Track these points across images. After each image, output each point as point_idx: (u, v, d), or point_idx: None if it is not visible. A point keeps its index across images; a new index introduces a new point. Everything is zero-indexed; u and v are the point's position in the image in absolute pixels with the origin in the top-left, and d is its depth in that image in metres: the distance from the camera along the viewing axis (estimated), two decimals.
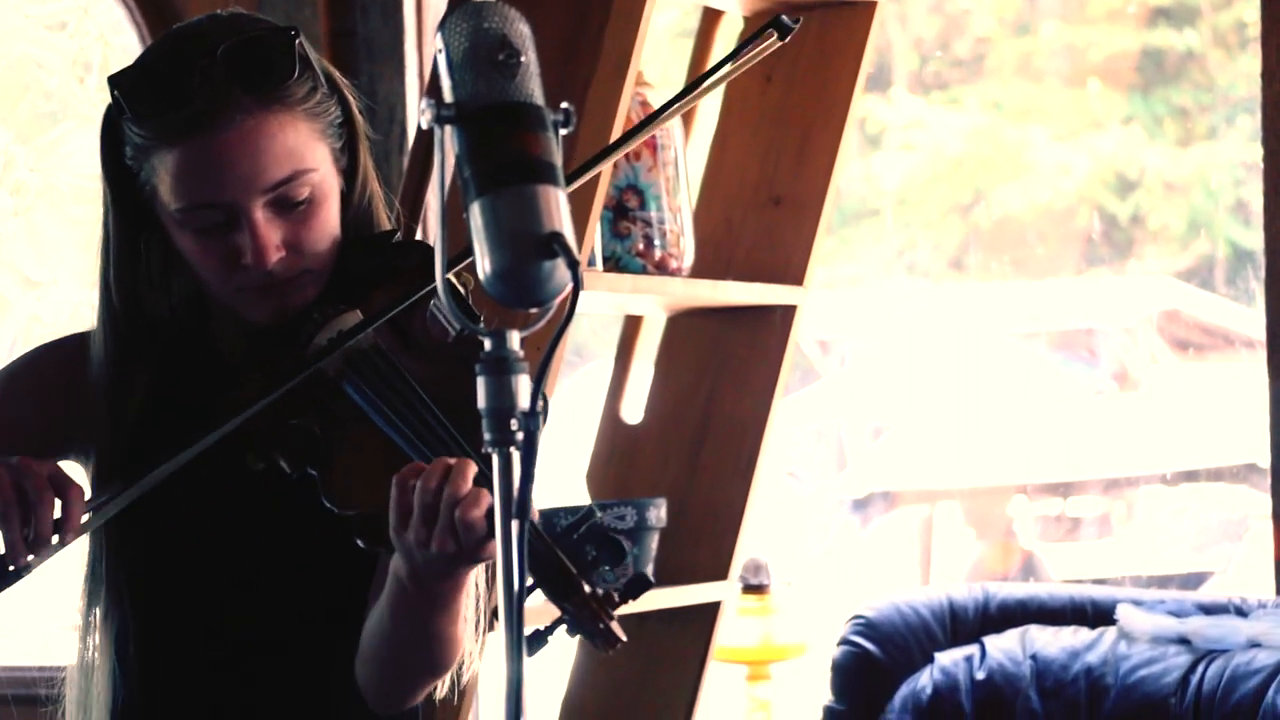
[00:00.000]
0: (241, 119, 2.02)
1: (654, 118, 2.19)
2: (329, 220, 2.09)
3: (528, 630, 1.85)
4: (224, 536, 2.10)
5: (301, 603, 2.14)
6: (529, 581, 1.91)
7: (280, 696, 2.15)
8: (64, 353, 2.19)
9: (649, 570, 3.45)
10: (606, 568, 1.93)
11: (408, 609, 2.00)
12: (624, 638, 1.91)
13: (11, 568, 1.95)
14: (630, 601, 1.92)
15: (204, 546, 2.10)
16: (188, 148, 2.02)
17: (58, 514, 1.97)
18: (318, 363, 2.02)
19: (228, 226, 2.04)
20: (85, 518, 1.98)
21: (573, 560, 1.91)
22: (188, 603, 2.13)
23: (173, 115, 2.02)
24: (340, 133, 2.10)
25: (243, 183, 2.02)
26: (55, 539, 1.96)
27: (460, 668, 2.12)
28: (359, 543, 2.00)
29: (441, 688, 2.15)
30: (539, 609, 1.94)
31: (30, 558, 1.95)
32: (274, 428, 2.01)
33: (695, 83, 2.12)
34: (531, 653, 1.84)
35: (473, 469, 1.91)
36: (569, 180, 1.74)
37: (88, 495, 2.00)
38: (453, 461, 1.92)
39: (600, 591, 1.91)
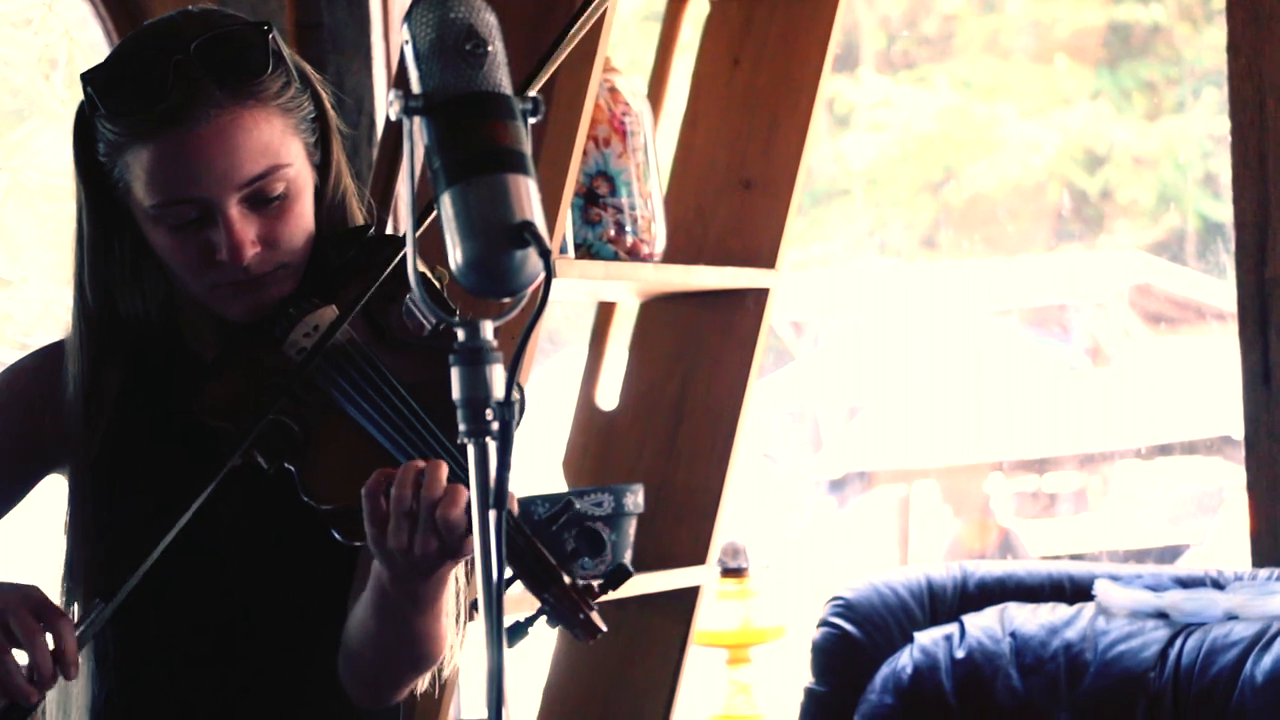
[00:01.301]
0: (216, 114, 2.02)
1: None
2: (304, 215, 2.08)
3: (507, 621, 1.85)
4: (201, 532, 2.10)
5: (280, 597, 2.13)
6: (509, 573, 1.91)
7: (260, 691, 2.15)
8: (45, 364, 2.18)
9: (627, 556, 3.45)
10: (586, 558, 1.93)
11: (391, 610, 1.99)
12: (604, 628, 1.91)
13: (25, 707, 1.96)
14: (610, 592, 1.92)
15: (180, 542, 2.09)
16: (162, 143, 2.02)
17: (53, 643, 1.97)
18: (308, 367, 2.02)
19: (203, 223, 2.04)
20: (81, 630, 1.98)
21: (552, 551, 1.91)
22: (166, 599, 2.13)
23: (147, 111, 2.01)
24: (314, 127, 2.10)
25: (218, 178, 2.02)
26: (57, 671, 1.96)
27: (442, 662, 2.12)
28: (336, 536, 2.00)
29: (422, 682, 2.15)
30: (519, 599, 1.94)
31: (38, 697, 1.96)
32: (250, 424, 2.00)
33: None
34: (512, 644, 1.85)
35: (445, 469, 1.91)
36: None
37: (75, 618, 2.00)
38: (423, 464, 1.92)
39: (580, 582, 1.91)
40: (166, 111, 2.01)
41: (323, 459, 2.01)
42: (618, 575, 1.92)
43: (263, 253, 2.05)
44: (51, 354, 2.18)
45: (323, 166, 2.13)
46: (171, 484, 2.05)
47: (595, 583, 1.92)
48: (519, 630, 1.86)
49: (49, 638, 1.95)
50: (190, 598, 2.13)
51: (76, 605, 2.15)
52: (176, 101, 2.01)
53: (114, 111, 2.04)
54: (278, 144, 2.05)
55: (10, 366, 2.23)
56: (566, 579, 1.91)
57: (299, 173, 2.07)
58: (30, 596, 1.97)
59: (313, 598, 2.13)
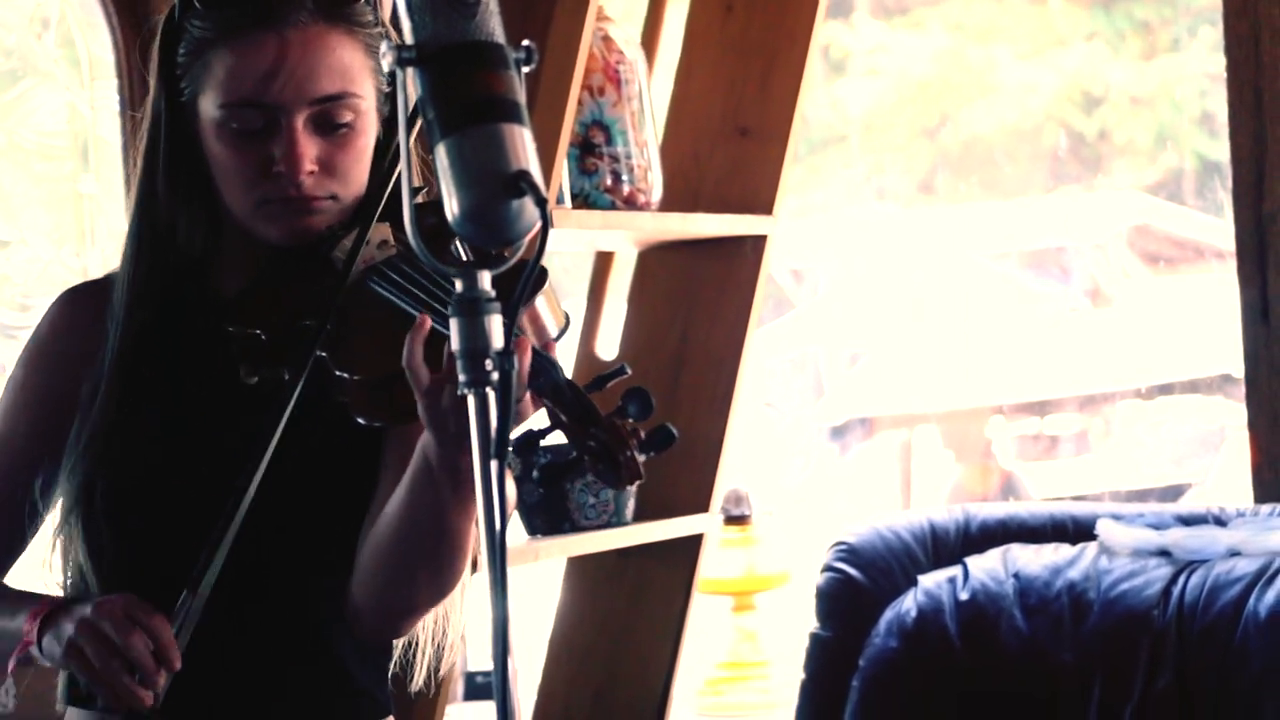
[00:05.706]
0: (305, 24, 2.06)
1: None
2: (364, 152, 2.11)
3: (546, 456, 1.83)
4: (209, 456, 2.09)
5: (291, 524, 2.11)
6: (548, 423, 1.87)
7: (267, 621, 2.12)
8: (83, 299, 2.19)
9: (630, 506, 3.46)
10: (632, 418, 1.88)
11: (427, 497, 1.97)
12: (644, 475, 1.85)
13: (143, 712, 1.97)
14: (653, 453, 1.85)
15: (187, 466, 2.09)
16: (247, 42, 2.05)
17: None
18: (346, 278, 2.00)
19: (266, 133, 2.07)
20: (178, 624, 1.99)
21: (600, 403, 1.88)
22: (169, 526, 2.10)
23: (240, 7, 2.06)
24: (388, 79, 2.12)
25: (293, 88, 2.06)
26: (161, 668, 1.97)
27: (440, 651, 2.12)
28: (360, 420, 1.98)
29: (418, 678, 2.14)
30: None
31: (152, 697, 1.97)
32: (284, 339, 1.99)
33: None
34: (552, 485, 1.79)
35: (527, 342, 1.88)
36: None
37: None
38: None
39: (627, 423, 1.85)
40: (259, 9, 2.05)
41: (355, 335, 2.00)
42: (662, 436, 1.85)
43: (318, 175, 2.07)
44: (93, 290, 2.18)
45: (389, 122, 2.14)
46: (182, 414, 2.08)
47: (641, 432, 1.85)
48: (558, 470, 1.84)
49: (145, 638, 1.96)
50: (193, 525, 2.09)
51: (78, 532, 2.13)
52: (271, 1, 2.05)
53: (207, 4, 2.07)
54: (355, 72, 2.08)
55: (51, 307, 2.22)
56: (614, 418, 1.85)
57: (368, 111, 2.10)
58: (118, 601, 1.99)
59: (326, 527, 2.11)
